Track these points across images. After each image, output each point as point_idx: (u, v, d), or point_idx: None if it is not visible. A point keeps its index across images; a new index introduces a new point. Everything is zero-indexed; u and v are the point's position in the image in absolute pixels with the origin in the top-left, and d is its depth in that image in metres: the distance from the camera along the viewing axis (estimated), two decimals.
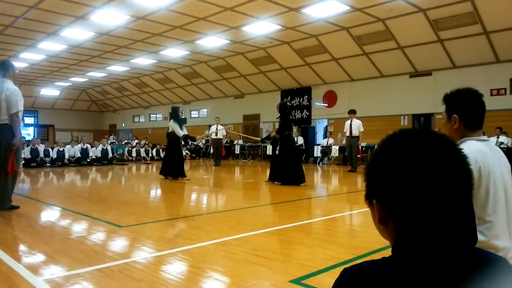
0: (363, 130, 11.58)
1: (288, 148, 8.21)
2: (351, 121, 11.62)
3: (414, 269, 0.62)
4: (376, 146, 0.75)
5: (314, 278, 2.58)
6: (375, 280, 0.63)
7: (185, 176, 9.46)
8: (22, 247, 3.43)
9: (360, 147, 11.99)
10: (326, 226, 4.61)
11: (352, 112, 11.74)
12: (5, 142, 4.98)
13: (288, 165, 8.04)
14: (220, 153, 14.49)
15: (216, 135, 14.21)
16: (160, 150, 19.22)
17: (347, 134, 11.66)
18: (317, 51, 14.25)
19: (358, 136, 11.47)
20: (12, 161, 5.04)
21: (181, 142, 9.75)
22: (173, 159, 9.45)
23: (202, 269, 2.86)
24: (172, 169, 9.40)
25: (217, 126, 14.31)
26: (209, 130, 15.87)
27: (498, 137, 11.02)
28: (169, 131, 9.64)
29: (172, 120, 9.47)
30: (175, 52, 16.00)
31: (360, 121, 11.65)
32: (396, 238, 0.68)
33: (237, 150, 18.92)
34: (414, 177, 0.64)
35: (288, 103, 9.17)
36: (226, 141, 20.11)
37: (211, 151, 16.43)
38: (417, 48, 12.50)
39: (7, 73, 5.22)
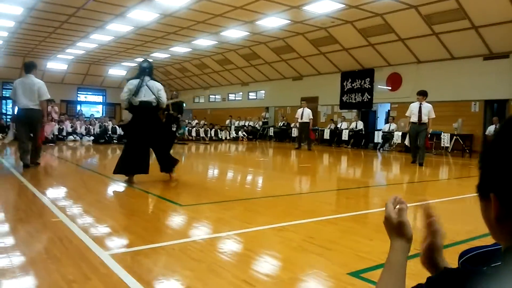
0: (434, 116, 9.67)
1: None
2: (421, 104, 9.61)
3: None
4: (496, 128, 0.62)
5: (374, 272, 2.48)
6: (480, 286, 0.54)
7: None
8: (91, 221, 3.66)
9: (429, 136, 10.20)
10: None
11: (423, 94, 9.72)
12: (38, 121, 6.95)
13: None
14: (307, 136, 14.37)
15: (302, 118, 13.97)
16: (218, 130, 19.62)
17: (414, 119, 9.62)
18: (382, 31, 13.60)
19: (427, 123, 9.58)
20: (42, 133, 7.29)
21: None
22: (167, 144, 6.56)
23: (258, 254, 2.87)
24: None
25: (303, 109, 14.10)
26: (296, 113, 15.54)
27: None
28: (147, 98, 5.75)
29: (153, 79, 5.94)
30: (235, 33, 16.05)
31: (431, 105, 9.70)
32: None
33: (294, 133, 18.76)
34: None
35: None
36: (283, 123, 20.08)
37: (295, 134, 16.54)
38: (493, 28, 11.49)
39: (33, 70, 6.98)
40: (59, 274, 2.35)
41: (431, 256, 0.90)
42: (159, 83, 5.95)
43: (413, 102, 10.53)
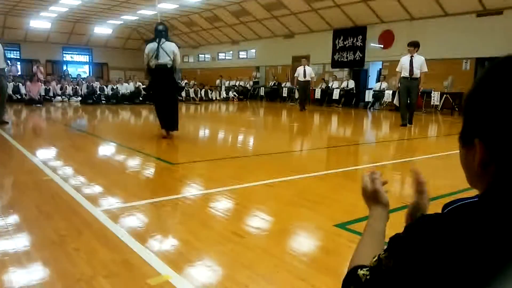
0: (426, 70, 8.72)
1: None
2: (412, 57, 8.56)
3: (508, 223, 0.52)
4: (481, 71, 0.61)
5: (360, 224, 2.56)
6: (451, 232, 0.54)
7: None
8: (82, 179, 3.67)
9: (420, 92, 9.43)
10: None
11: (414, 45, 8.58)
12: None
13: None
14: (308, 97, 13.53)
15: (305, 77, 12.99)
16: (209, 91, 19.41)
17: (405, 74, 8.59)
18: None
19: (419, 78, 8.68)
20: None
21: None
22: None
23: (248, 208, 2.93)
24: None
25: (304, 67, 13.11)
26: (294, 72, 14.39)
27: None
28: (162, 60, 5.96)
29: (168, 40, 6.14)
30: None
31: (423, 58, 8.63)
32: (491, 185, 0.57)
33: (285, 92, 18.67)
34: None
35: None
36: (274, 83, 19.89)
37: (296, 94, 15.62)
38: None
39: None
40: (52, 230, 2.39)
41: (414, 214, 0.93)
42: (174, 44, 6.10)
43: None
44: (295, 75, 13.64)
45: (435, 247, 0.54)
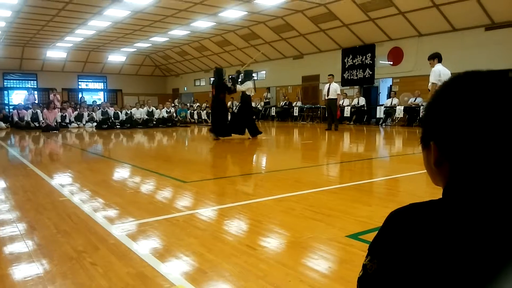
0: None
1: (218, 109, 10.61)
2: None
3: (464, 211, 0.59)
4: (437, 88, 0.71)
5: (372, 234, 2.55)
6: (421, 222, 0.61)
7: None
8: (98, 199, 3.75)
9: None
10: (388, 186, 4.51)
11: (431, 57, 7.62)
12: None
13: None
14: (334, 116, 12.73)
15: (328, 95, 12.41)
16: None
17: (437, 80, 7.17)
18: (382, 4, 13.40)
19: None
20: None
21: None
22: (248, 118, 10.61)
23: (260, 222, 2.96)
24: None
25: (329, 84, 12.55)
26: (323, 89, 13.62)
27: None
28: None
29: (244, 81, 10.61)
30: (233, 13, 15.90)
31: (448, 71, 7.46)
32: (448, 180, 0.65)
33: (296, 112, 18.77)
34: (477, 118, 0.59)
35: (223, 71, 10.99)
36: (285, 103, 20.02)
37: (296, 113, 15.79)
38: None
39: None
40: (70, 246, 2.45)
41: None
42: None
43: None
44: (323, 93, 13.01)
45: (408, 239, 0.60)
